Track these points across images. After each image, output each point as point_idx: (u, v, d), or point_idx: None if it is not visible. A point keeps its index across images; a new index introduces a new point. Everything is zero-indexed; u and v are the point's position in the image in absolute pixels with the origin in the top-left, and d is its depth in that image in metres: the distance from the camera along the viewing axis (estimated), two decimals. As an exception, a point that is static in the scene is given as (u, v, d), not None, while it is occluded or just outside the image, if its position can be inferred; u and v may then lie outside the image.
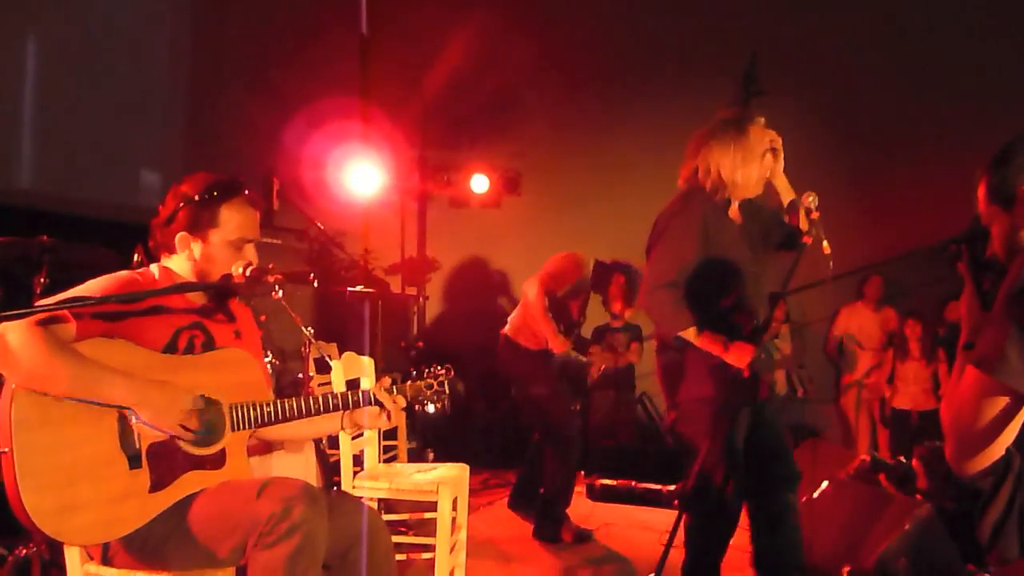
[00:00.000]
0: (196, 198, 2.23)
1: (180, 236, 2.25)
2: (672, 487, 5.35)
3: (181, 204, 2.24)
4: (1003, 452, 1.60)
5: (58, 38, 5.37)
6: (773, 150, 3.17)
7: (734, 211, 3.20)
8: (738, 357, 2.97)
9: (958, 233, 1.91)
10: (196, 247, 2.25)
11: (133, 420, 2.02)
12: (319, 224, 5.36)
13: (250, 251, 2.30)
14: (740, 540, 4.65)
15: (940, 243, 1.95)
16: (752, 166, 3.12)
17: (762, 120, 3.19)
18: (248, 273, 2.24)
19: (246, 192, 2.29)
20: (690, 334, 3.01)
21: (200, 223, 2.23)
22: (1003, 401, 1.56)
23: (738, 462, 3.04)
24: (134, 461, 2.01)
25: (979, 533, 1.67)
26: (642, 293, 3.18)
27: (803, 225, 3.09)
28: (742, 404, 3.05)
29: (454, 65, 7.60)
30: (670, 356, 3.14)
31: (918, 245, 3.16)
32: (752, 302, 3.14)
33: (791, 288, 3.17)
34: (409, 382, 2.47)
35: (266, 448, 3.27)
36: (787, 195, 3.25)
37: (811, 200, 3.08)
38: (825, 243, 3.03)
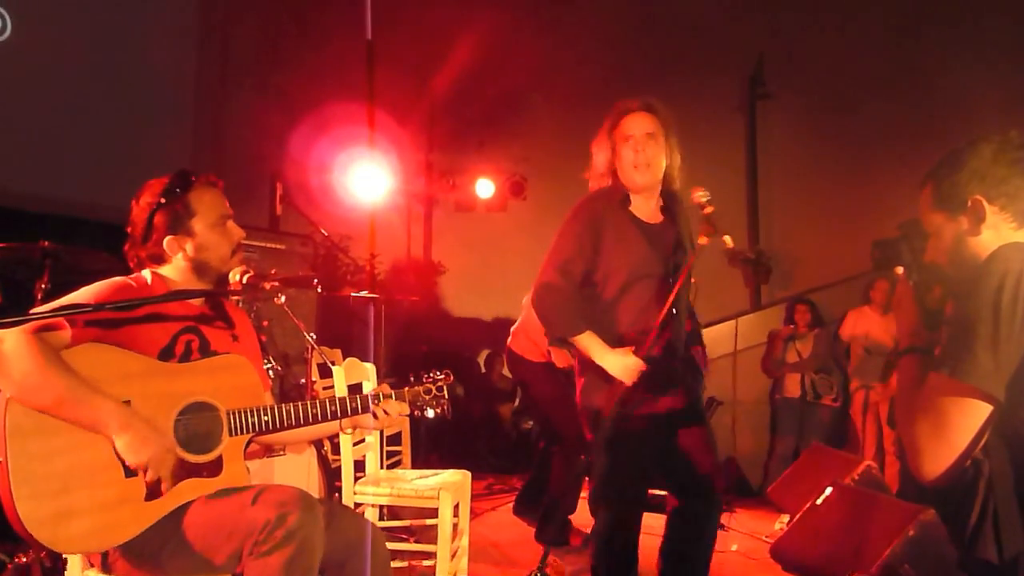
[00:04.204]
0: (163, 200, 2.23)
1: (168, 240, 2.24)
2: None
3: (153, 211, 2.23)
4: (971, 457, 1.58)
5: (64, 41, 5.39)
6: (650, 135, 2.88)
7: (645, 208, 2.96)
8: (616, 365, 2.72)
9: (889, 238, 1.90)
10: (188, 244, 2.25)
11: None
12: (323, 230, 5.36)
13: (233, 227, 2.31)
14: (745, 545, 4.64)
15: (874, 244, 1.94)
16: (615, 150, 2.92)
17: (628, 108, 2.94)
18: (245, 280, 2.24)
19: (202, 176, 2.30)
20: (570, 337, 2.81)
21: (180, 219, 2.24)
22: (975, 404, 1.54)
23: (628, 479, 2.88)
24: (130, 469, 2.00)
25: (956, 538, 1.66)
26: (532, 294, 2.99)
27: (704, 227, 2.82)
28: (636, 416, 2.79)
29: (460, 69, 7.61)
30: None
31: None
32: (644, 307, 2.84)
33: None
34: (408, 387, 2.46)
35: (265, 451, 3.27)
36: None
37: (700, 195, 2.84)
38: (727, 238, 2.82)
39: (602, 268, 2.86)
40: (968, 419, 1.54)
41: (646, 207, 2.96)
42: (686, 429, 2.92)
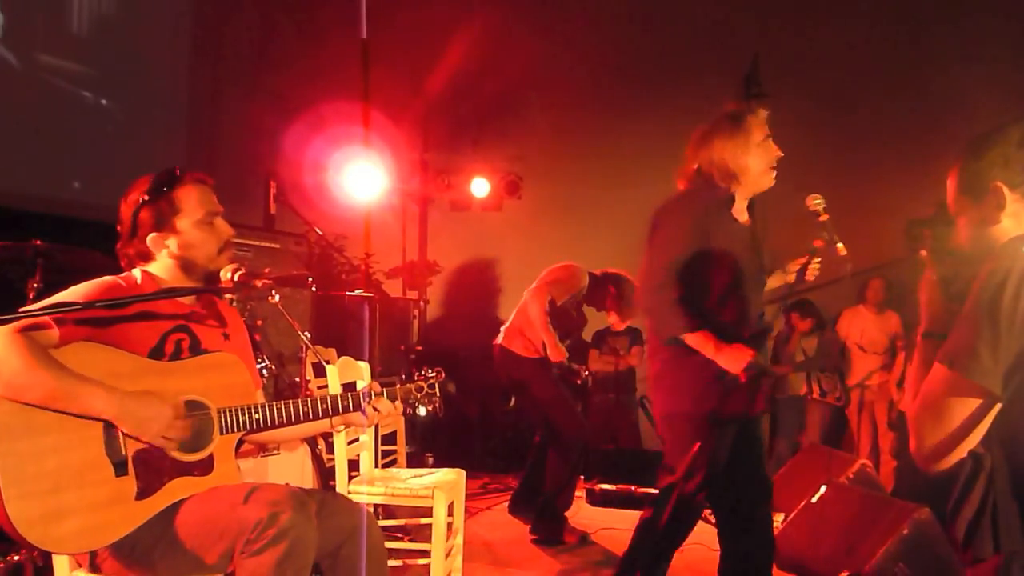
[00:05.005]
0: (147, 197, 2.23)
1: (151, 238, 2.24)
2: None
3: (138, 208, 2.24)
4: (969, 450, 1.59)
5: (56, 40, 5.37)
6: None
7: (740, 210, 3.05)
8: (732, 360, 2.77)
9: (921, 218, 1.88)
10: (171, 241, 2.25)
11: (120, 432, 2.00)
12: (317, 229, 5.35)
13: (222, 224, 2.31)
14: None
15: (908, 223, 1.92)
16: (753, 154, 2.98)
17: (761, 112, 3.06)
18: (236, 277, 2.23)
19: (190, 174, 2.30)
20: (684, 335, 2.83)
21: (164, 216, 2.24)
22: (973, 400, 1.55)
23: (717, 478, 2.90)
24: (120, 468, 1.99)
25: (953, 532, 1.66)
26: (638, 293, 3.02)
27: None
28: (733, 417, 2.87)
29: (455, 68, 7.59)
30: (663, 362, 2.99)
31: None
32: (752, 305, 2.97)
33: (808, 287, 3.14)
34: (399, 385, 2.45)
35: (259, 450, 3.27)
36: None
37: (817, 203, 2.98)
38: (840, 245, 2.94)
39: (710, 267, 2.89)
40: (967, 414, 1.55)
41: (740, 209, 3.04)
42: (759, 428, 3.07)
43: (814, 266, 3.07)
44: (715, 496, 3.03)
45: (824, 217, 2.96)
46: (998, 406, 1.55)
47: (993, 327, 1.52)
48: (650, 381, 3.10)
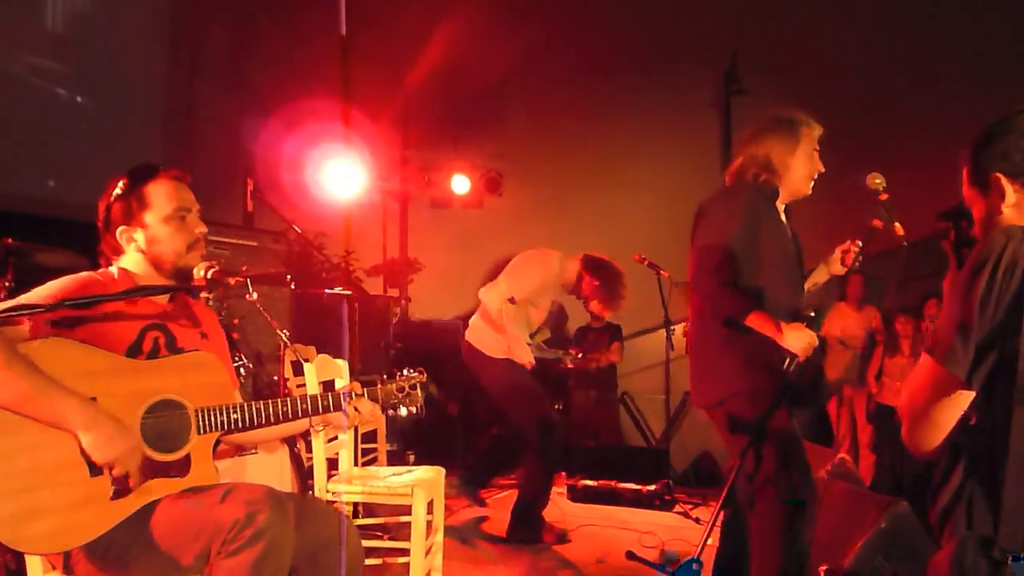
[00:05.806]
0: (119, 192, 2.25)
1: (120, 231, 2.25)
2: (652, 487, 5.34)
3: (110, 203, 2.26)
4: (946, 434, 1.62)
5: (31, 37, 5.31)
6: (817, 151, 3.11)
7: (779, 210, 3.11)
8: (795, 338, 2.77)
9: (948, 209, 1.89)
10: (138, 236, 2.25)
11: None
12: (295, 227, 5.32)
13: (193, 220, 2.30)
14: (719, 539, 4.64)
15: (938, 216, 1.92)
16: (798, 158, 3.06)
17: (816, 128, 3.15)
18: (209, 275, 2.22)
19: (166, 170, 2.31)
20: (743, 316, 2.84)
21: (132, 211, 2.25)
22: (947, 388, 1.59)
23: (801, 451, 2.90)
24: (95, 467, 1.96)
25: (930, 517, 1.69)
26: (692, 280, 3.02)
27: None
28: (794, 393, 2.88)
29: (436, 66, 7.58)
30: (708, 344, 3.02)
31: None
32: (788, 294, 3.01)
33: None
34: (380, 386, 2.44)
35: (236, 450, 3.24)
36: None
37: (878, 182, 2.97)
38: (897, 224, 2.95)
39: (756, 254, 2.93)
40: (942, 401, 1.60)
41: (780, 206, 3.12)
42: None
43: (853, 251, 3.13)
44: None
45: (884, 196, 2.96)
46: (972, 394, 1.58)
47: (967, 316, 1.55)
48: (692, 370, 3.09)
